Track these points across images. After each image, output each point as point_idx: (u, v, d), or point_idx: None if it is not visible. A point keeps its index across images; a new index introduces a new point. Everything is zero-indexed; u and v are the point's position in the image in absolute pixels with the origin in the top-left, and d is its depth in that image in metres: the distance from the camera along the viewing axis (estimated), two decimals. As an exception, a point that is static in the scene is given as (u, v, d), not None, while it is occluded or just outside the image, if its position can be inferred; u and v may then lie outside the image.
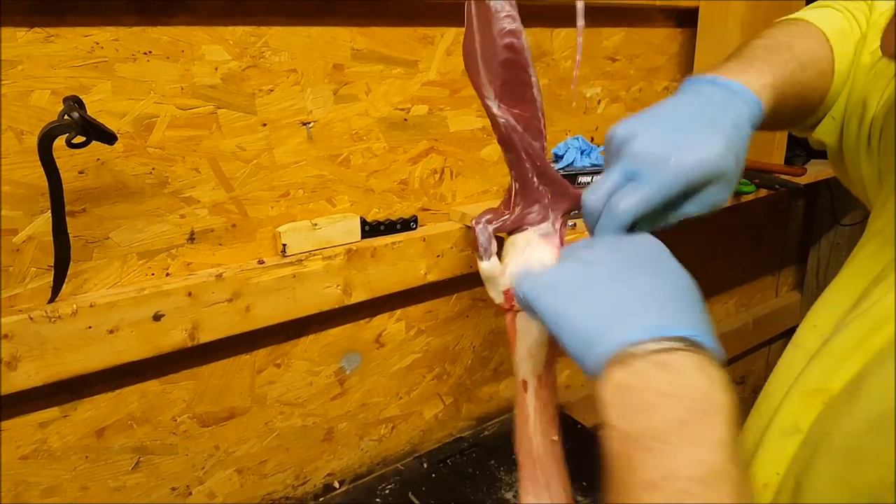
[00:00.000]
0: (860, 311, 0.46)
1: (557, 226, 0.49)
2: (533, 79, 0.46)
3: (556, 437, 0.51)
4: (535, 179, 0.48)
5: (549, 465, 0.50)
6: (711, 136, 0.45)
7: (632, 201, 0.43)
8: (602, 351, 0.37)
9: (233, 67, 0.77)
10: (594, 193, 0.45)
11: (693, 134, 0.45)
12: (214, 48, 0.75)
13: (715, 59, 1.17)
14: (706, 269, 1.56)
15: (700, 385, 0.34)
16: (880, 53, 0.53)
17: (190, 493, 0.88)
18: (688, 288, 0.40)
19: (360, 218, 0.90)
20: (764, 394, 0.54)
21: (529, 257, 0.47)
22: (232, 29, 0.76)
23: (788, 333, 1.77)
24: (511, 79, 0.46)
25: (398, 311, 1.02)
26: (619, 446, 0.35)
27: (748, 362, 1.78)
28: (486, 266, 0.48)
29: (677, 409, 0.34)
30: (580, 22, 0.46)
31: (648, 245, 0.43)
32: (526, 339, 0.49)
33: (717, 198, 0.46)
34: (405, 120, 0.93)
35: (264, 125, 0.81)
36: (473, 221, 0.49)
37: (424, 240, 0.95)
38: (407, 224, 0.95)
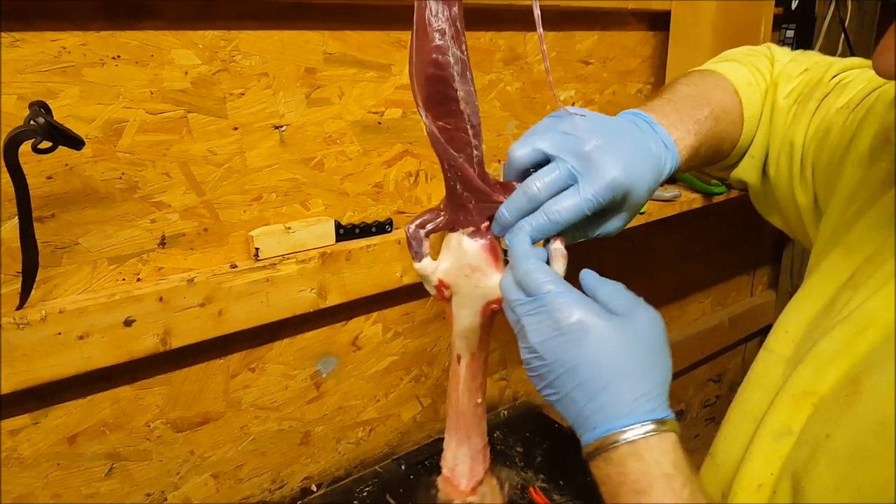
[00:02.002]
0: (842, 316, 0.49)
1: (484, 228, 0.52)
2: (460, 93, 0.47)
3: (480, 400, 0.57)
4: (457, 187, 0.51)
5: (471, 421, 0.57)
6: (648, 171, 0.51)
7: (570, 202, 0.47)
8: (589, 437, 0.43)
9: (203, 71, 0.77)
10: (538, 182, 0.48)
11: (639, 159, 0.51)
12: (184, 52, 0.75)
13: (687, 61, 1.19)
14: (682, 270, 1.58)
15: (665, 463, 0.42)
16: (794, 97, 0.63)
17: (165, 499, 0.88)
18: (662, 365, 0.45)
19: (335, 221, 0.90)
20: (741, 398, 0.57)
21: (459, 257, 0.52)
22: (202, 33, 0.76)
23: (764, 332, 1.79)
24: (435, 92, 0.47)
25: (374, 314, 1.02)
26: None
27: (724, 360, 1.81)
28: (419, 266, 0.53)
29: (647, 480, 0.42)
30: (539, 30, 0.48)
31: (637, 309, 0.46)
32: (460, 322, 0.54)
33: (617, 224, 0.53)
34: (379, 123, 0.93)
35: (235, 129, 0.81)
36: (406, 225, 0.53)
37: (400, 242, 0.95)
38: (382, 227, 0.95)
